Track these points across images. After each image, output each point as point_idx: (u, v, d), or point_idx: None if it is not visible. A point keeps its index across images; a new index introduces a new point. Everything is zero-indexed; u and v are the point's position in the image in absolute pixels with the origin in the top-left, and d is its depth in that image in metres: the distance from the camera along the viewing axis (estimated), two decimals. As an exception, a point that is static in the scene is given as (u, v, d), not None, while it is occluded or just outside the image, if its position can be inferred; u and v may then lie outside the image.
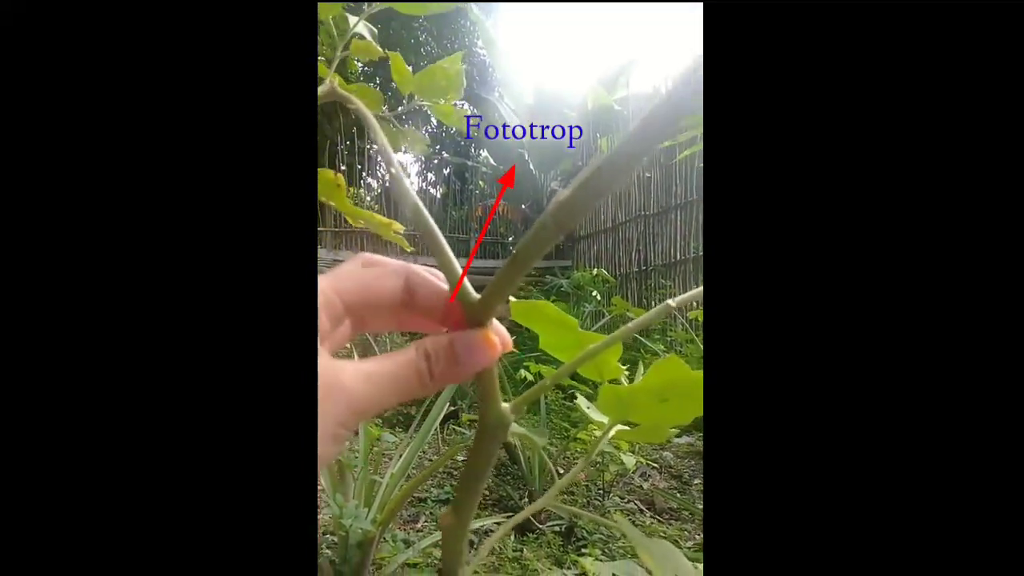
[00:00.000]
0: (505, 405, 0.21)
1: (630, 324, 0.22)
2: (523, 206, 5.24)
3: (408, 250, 0.35)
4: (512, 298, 0.28)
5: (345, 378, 0.18)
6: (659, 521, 1.44)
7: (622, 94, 4.46)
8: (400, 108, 0.38)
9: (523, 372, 1.96)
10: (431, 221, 0.19)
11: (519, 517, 0.27)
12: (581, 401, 0.35)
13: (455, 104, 0.39)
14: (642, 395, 0.27)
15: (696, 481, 1.68)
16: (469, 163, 5.80)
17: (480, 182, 5.80)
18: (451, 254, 0.19)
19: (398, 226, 0.35)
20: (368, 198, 5.30)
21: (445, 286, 0.21)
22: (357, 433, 1.22)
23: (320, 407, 0.18)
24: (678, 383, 0.25)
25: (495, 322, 0.20)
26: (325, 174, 0.32)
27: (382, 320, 0.23)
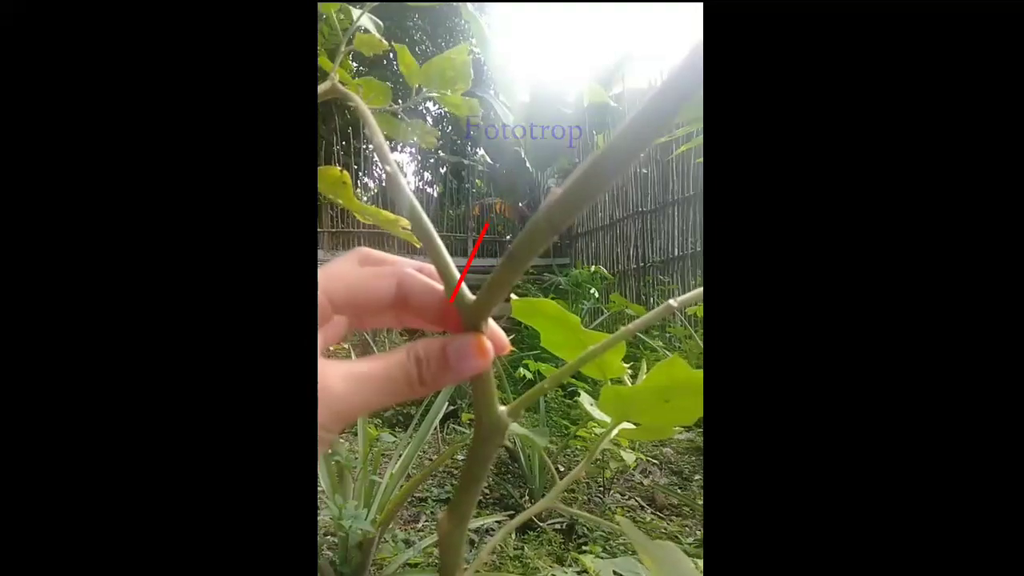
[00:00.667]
0: (502, 408, 0.20)
1: (631, 324, 0.22)
2: (520, 204, 5.24)
3: (418, 246, 0.34)
4: (513, 295, 0.27)
5: (329, 379, 0.18)
6: (660, 517, 1.44)
7: (618, 90, 4.45)
8: (408, 101, 0.38)
9: (522, 371, 1.96)
10: (426, 220, 0.18)
11: (519, 519, 0.27)
12: (584, 399, 0.34)
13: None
14: (644, 396, 0.27)
15: (697, 477, 1.68)
16: (465, 161, 5.79)
17: (477, 180, 5.80)
18: (446, 254, 0.19)
19: (406, 222, 0.34)
20: (365, 198, 5.29)
21: (440, 287, 0.20)
22: (356, 433, 1.21)
23: None
24: (680, 384, 0.25)
25: (491, 323, 0.20)
26: (331, 171, 0.32)
27: (378, 319, 0.23)
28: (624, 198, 3.77)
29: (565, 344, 0.29)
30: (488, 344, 0.20)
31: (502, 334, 0.21)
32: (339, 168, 0.32)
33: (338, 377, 0.18)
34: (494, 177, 5.56)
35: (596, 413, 0.34)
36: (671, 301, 0.21)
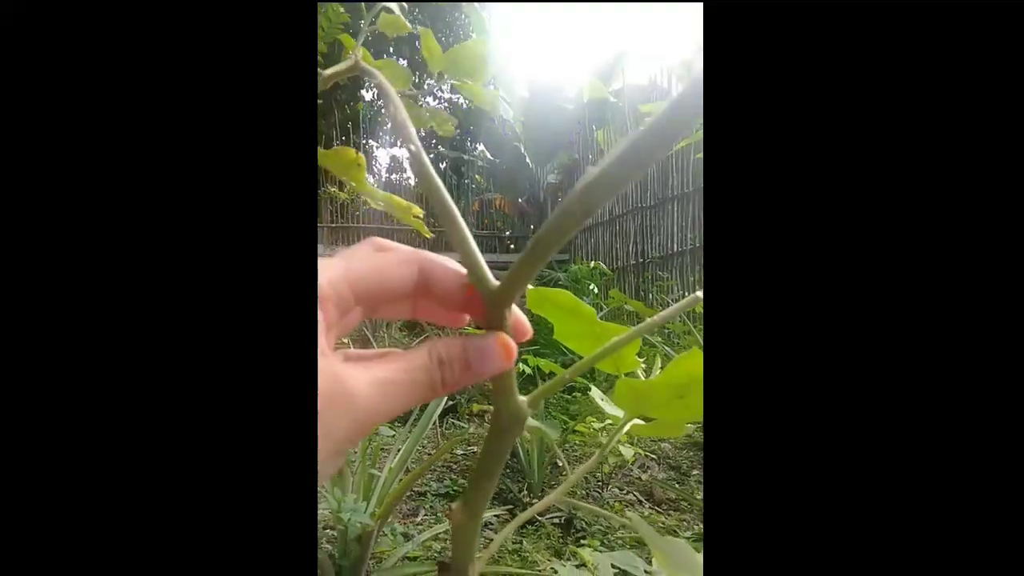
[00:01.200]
0: (522, 399, 0.20)
1: (655, 316, 0.21)
2: (520, 200, 5.23)
3: (427, 236, 0.34)
4: (529, 285, 0.27)
5: (354, 387, 0.17)
6: (658, 511, 1.44)
7: (618, 86, 4.44)
8: (424, 88, 0.37)
9: (521, 366, 1.96)
10: (450, 202, 0.18)
11: (531, 512, 0.27)
12: (595, 393, 0.34)
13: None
14: (660, 390, 0.26)
15: (695, 472, 1.69)
16: (465, 157, 5.77)
17: (476, 176, 5.77)
18: (470, 236, 0.18)
19: (417, 210, 0.34)
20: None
21: (462, 271, 0.20)
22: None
23: (325, 420, 0.16)
24: (698, 379, 0.25)
25: (515, 310, 0.19)
26: (346, 152, 0.31)
27: (395, 308, 0.22)
28: (623, 194, 3.76)
29: (579, 336, 0.29)
30: (512, 343, 0.19)
31: (525, 320, 0.20)
32: (354, 151, 0.31)
33: (362, 383, 0.17)
34: (494, 173, 5.54)
35: (608, 408, 0.33)
36: (699, 293, 0.21)
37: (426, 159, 0.18)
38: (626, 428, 0.32)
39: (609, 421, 1.36)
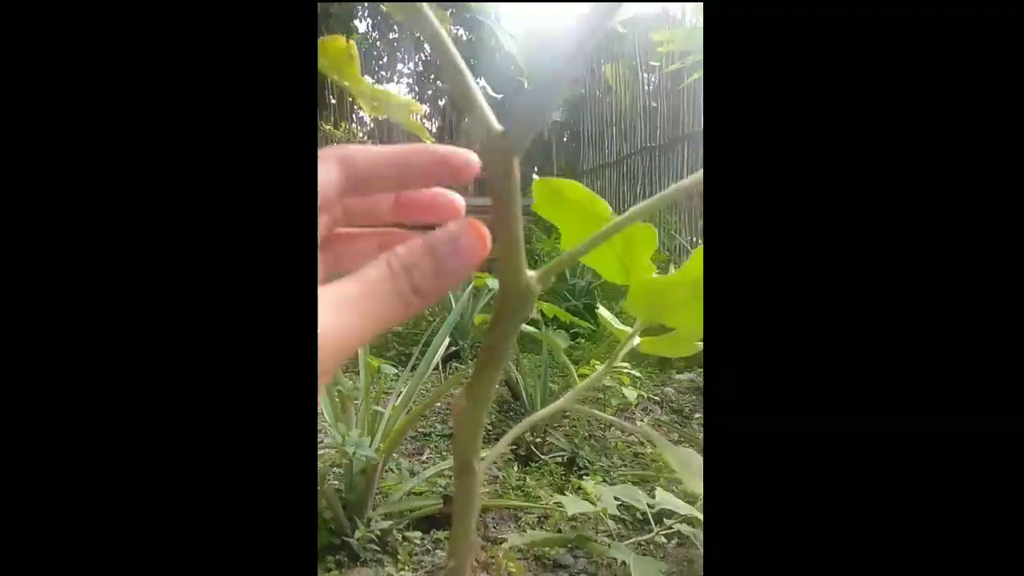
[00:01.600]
0: (531, 273, 0.17)
1: (667, 190, 0.19)
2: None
3: (428, 141, 0.30)
4: (535, 177, 0.24)
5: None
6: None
7: (625, 16, 4.22)
8: None
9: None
10: (441, 30, 0.14)
11: (537, 416, 0.25)
12: (603, 311, 0.31)
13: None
14: (678, 288, 0.24)
15: (696, 415, 1.70)
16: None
17: (478, 117, 5.59)
18: (465, 68, 0.15)
19: (416, 106, 0.30)
20: (361, 134, 5.14)
21: (422, 146, 0.17)
22: (358, 373, 1.20)
23: None
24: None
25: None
26: (336, 42, 0.27)
27: (354, 246, 0.20)
28: (632, 133, 3.64)
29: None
30: (484, 229, 0.16)
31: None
32: (345, 38, 0.26)
33: (325, 305, 0.14)
34: (497, 109, 5.38)
35: (618, 324, 0.31)
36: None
37: None
38: (635, 341, 0.29)
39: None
